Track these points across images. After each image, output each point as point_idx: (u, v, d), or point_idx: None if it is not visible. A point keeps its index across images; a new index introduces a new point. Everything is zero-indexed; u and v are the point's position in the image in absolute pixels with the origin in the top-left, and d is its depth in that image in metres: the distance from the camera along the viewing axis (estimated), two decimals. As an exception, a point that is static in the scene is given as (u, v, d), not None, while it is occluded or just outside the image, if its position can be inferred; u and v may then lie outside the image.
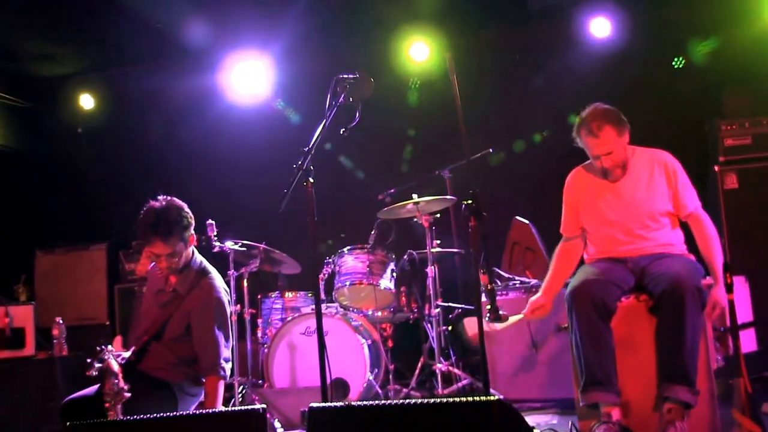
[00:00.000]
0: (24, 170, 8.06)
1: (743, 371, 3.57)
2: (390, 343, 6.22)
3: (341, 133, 3.88)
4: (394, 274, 6.09)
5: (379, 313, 6.15)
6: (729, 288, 3.73)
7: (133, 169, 8.04)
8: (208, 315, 4.22)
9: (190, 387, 4.30)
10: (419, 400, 2.71)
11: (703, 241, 4.24)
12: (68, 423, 3.96)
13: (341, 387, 5.63)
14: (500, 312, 3.96)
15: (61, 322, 5.86)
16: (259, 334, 6.42)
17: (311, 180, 3.70)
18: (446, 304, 6.11)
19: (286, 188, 3.74)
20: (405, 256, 6.27)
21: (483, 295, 3.97)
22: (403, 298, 6.20)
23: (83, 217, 8.08)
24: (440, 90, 7.36)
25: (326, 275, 6.19)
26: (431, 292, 5.92)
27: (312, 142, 3.74)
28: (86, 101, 8.15)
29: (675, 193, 4.30)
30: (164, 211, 4.19)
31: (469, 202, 3.81)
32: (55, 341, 5.81)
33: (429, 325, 6.10)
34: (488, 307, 3.94)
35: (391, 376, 5.99)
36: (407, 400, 2.70)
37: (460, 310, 6.32)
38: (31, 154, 8.16)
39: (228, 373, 4.24)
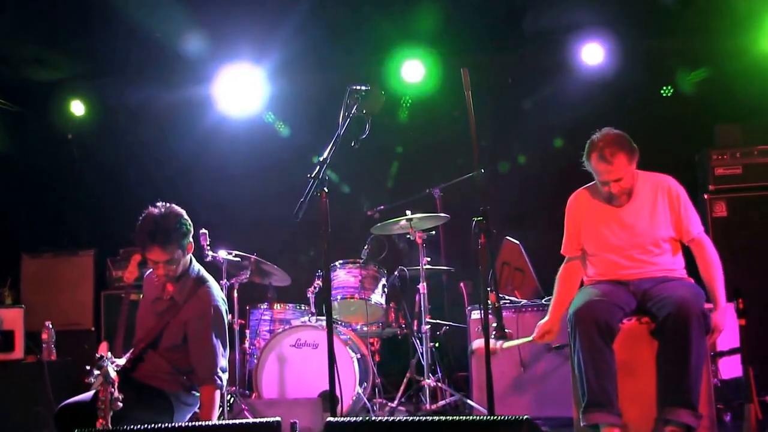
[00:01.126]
0: (12, 174, 7.97)
1: (754, 397, 3.61)
2: (377, 358, 6.28)
3: (352, 145, 3.89)
4: (385, 290, 6.10)
5: (367, 328, 6.17)
6: (741, 313, 3.78)
7: (123, 176, 7.99)
8: (205, 324, 4.18)
9: (186, 396, 4.27)
10: (445, 417, 2.70)
11: (705, 266, 4.31)
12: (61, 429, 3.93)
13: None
14: (506, 330, 3.98)
15: (50, 326, 5.80)
16: (247, 345, 6.39)
17: (326, 190, 3.69)
18: (435, 321, 6.14)
19: (299, 197, 3.74)
20: (395, 272, 6.30)
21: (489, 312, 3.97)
22: (392, 314, 6.22)
23: (71, 224, 8.06)
24: (431, 110, 7.43)
25: (317, 288, 6.19)
26: (421, 308, 5.94)
27: (327, 153, 3.73)
28: (77, 107, 8.10)
29: (678, 218, 4.36)
30: (163, 218, 4.15)
31: (480, 219, 3.85)
32: (44, 345, 5.78)
33: (417, 341, 6.12)
34: (494, 325, 3.95)
35: (377, 390, 6.02)
36: (431, 417, 2.70)
37: (447, 328, 6.35)
38: (19, 159, 8.06)
39: (224, 383, 4.21)
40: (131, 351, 4.26)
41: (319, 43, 7.28)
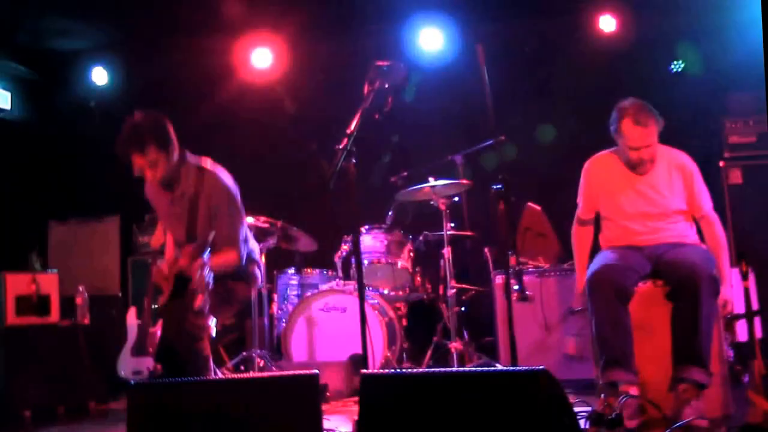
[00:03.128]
0: (37, 142, 8.15)
1: (758, 354, 3.78)
2: (404, 322, 6.39)
3: (376, 118, 4.05)
4: (411, 255, 6.26)
5: (393, 293, 6.33)
6: (744, 275, 3.94)
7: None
8: (222, 209, 4.36)
9: (245, 270, 4.55)
10: (469, 369, 2.90)
11: (713, 241, 4.54)
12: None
13: (360, 363, 5.81)
14: (526, 292, 4.17)
15: (83, 291, 5.98)
16: (275, 309, 6.57)
17: (354, 161, 3.84)
18: (461, 286, 6.30)
19: (330, 167, 3.88)
20: (420, 237, 6.44)
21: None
22: (418, 278, 6.36)
23: (97, 190, 8.14)
24: (451, 79, 7.51)
25: (344, 253, 6.38)
26: (446, 273, 6.09)
27: (353, 125, 3.88)
28: (99, 76, 8.26)
29: (691, 194, 4.56)
30: (137, 124, 4.33)
31: (499, 186, 4.02)
32: (78, 309, 5.94)
33: (444, 306, 6.26)
34: (515, 287, 4.14)
35: (404, 355, 6.15)
36: (457, 368, 2.89)
37: (473, 292, 6.52)
38: (44, 127, 8.24)
39: (259, 278, 4.61)
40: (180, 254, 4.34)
41: (336, 14, 7.44)
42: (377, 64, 4.08)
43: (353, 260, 6.23)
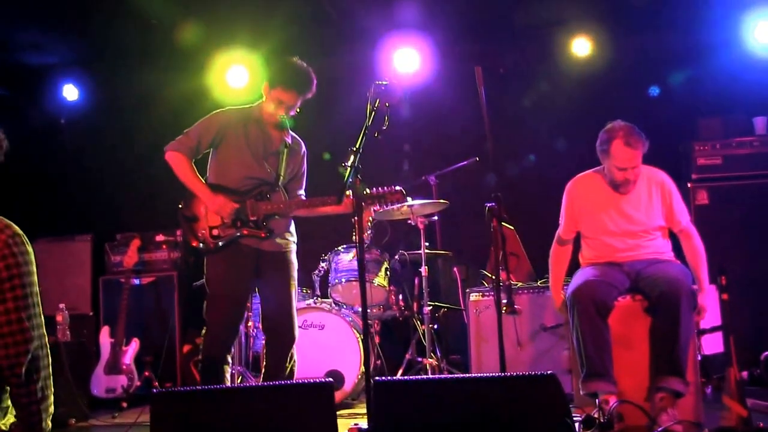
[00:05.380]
0: (6, 158, 8.06)
1: (734, 362, 3.99)
2: (377, 339, 6.49)
3: (375, 136, 4.17)
4: (388, 273, 6.38)
5: (369, 311, 6.39)
6: (724, 288, 4.16)
7: (118, 162, 8.07)
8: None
9: None
10: (479, 375, 3.03)
11: (692, 252, 4.79)
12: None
13: (335, 379, 5.91)
14: (515, 306, 4.34)
15: (64, 308, 5.99)
16: (250, 325, 6.59)
17: (359, 177, 3.98)
18: (435, 303, 6.45)
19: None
20: (396, 256, 6.57)
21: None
22: (392, 297, 6.48)
23: (68, 209, 8.15)
24: (426, 102, 7.67)
25: (321, 272, 6.48)
26: (420, 291, 6.23)
27: (358, 143, 4.02)
28: (70, 92, 8.22)
29: (670, 210, 4.80)
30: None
31: (492, 205, 4.18)
32: (59, 327, 5.95)
33: (418, 323, 6.41)
34: (505, 301, 4.31)
35: (377, 371, 6.25)
36: (468, 375, 3.02)
37: (446, 309, 6.67)
38: (14, 144, 8.16)
39: None
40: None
41: (315, 31, 7.50)
42: (376, 83, 4.19)
43: (330, 278, 6.36)
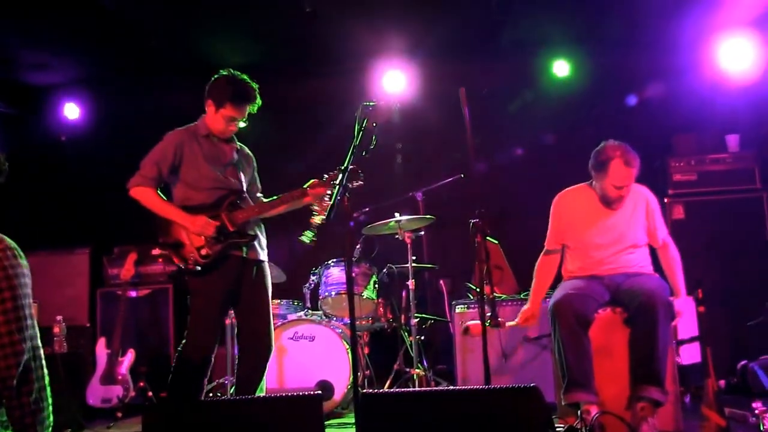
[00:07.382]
0: (8, 174, 8.19)
1: (711, 373, 4.17)
2: (366, 350, 6.67)
3: (363, 155, 4.32)
4: (377, 286, 6.55)
5: (358, 322, 6.58)
6: (700, 302, 4.35)
7: (117, 178, 8.20)
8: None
9: None
10: (463, 388, 3.20)
11: (671, 263, 5.04)
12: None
13: (326, 389, 6.07)
14: (499, 319, 4.52)
15: (61, 320, 6.10)
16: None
17: (348, 196, 4.10)
18: (422, 315, 6.64)
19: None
20: (384, 270, 6.75)
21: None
22: (381, 309, 6.66)
23: (67, 222, 8.31)
24: (412, 121, 7.85)
25: (312, 285, 6.66)
26: (407, 303, 6.41)
27: (346, 161, 4.14)
28: (71, 111, 8.41)
29: (652, 226, 5.03)
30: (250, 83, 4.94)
31: (477, 221, 4.36)
32: (56, 338, 6.07)
33: (405, 334, 6.58)
34: (489, 314, 4.49)
35: (366, 381, 6.41)
36: (453, 387, 3.18)
37: (432, 321, 6.85)
38: (15, 160, 8.29)
39: None
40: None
41: (302, 57, 7.72)
42: (364, 103, 4.31)
43: (320, 291, 6.54)
